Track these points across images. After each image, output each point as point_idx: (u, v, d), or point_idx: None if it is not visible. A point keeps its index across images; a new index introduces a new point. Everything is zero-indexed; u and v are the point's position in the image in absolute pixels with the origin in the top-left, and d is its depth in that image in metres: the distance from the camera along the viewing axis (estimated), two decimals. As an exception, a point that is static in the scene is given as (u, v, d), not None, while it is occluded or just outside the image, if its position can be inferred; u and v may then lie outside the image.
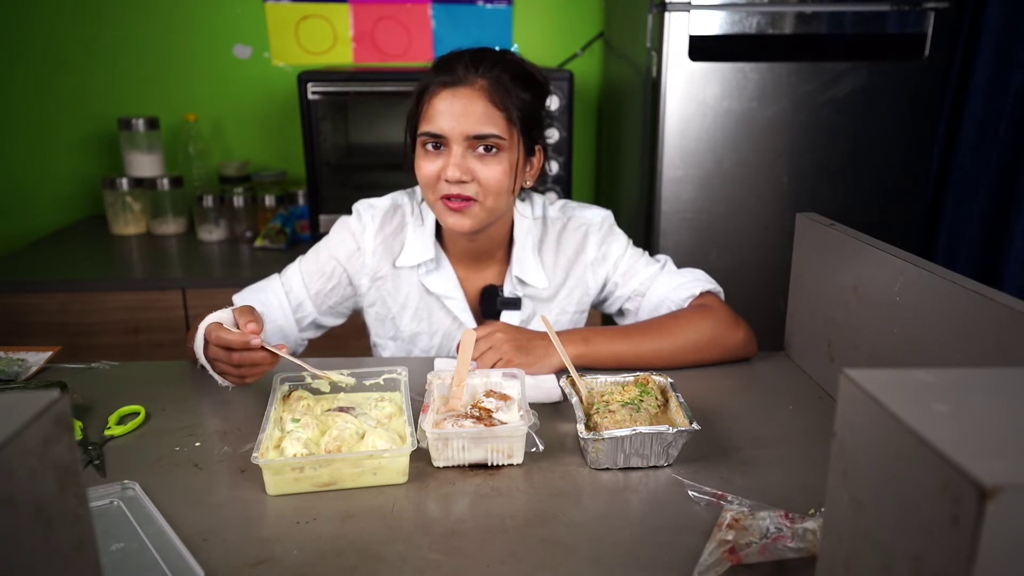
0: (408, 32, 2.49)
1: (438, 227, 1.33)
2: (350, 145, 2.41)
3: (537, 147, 1.26)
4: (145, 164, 2.33)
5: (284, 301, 1.30)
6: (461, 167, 1.16)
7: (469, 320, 1.34)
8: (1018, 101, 2.05)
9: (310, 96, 2.08)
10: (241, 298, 1.31)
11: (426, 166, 1.19)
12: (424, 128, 1.18)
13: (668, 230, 2.01)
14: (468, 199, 1.18)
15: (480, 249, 1.31)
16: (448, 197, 1.18)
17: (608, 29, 2.46)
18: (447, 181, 1.17)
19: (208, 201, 2.26)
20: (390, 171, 2.42)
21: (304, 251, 1.37)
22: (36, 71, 2.42)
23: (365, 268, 1.33)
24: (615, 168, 2.40)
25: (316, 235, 2.17)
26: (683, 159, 1.97)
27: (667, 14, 1.87)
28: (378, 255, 1.32)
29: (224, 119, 2.52)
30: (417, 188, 1.35)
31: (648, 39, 1.96)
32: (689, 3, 1.87)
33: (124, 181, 2.33)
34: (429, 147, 1.18)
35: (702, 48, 1.90)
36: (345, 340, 1.70)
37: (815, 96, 1.95)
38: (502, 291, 1.33)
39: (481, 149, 1.17)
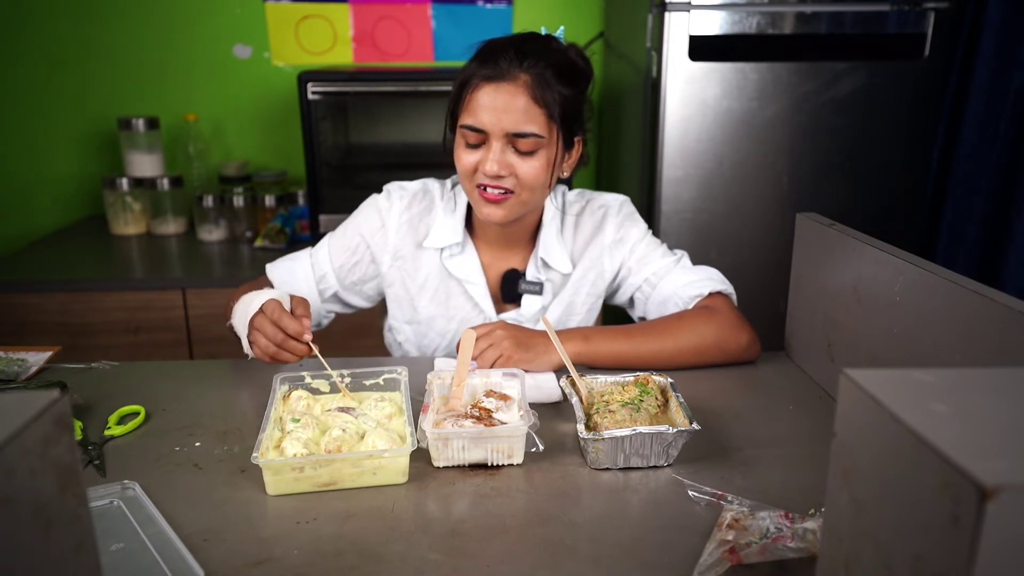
0: (408, 32, 2.49)
1: (468, 213, 1.34)
2: (350, 145, 2.41)
3: (576, 139, 1.26)
4: (145, 164, 2.33)
5: (309, 272, 1.34)
6: (500, 162, 1.17)
7: (488, 306, 1.34)
8: (1018, 101, 2.05)
9: (310, 96, 2.08)
10: (274, 267, 1.35)
11: (465, 157, 1.20)
12: (465, 121, 1.19)
13: (668, 230, 2.01)
14: (506, 192, 1.19)
15: (508, 236, 1.33)
16: (484, 187, 1.20)
17: (608, 29, 2.46)
18: (485, 175, 1.18)
19: (208, 201, 2.26)
20: (390, 171, 2.41)
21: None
22: (36, 71, 2.42)
23: (387, 245, 1.34)
24: (615, 168, 2.40)
25: (316, 235, 2.17)
26: (683, 159, 1.97)
27: (667, 14, 1.87)
28: (401, 233, 1.33)
29: (224, 119, 2.52)
30: (450, 179, 1.37)
31: (648, 39, 1.96)
32: (689, 3, 1.87)
33: (124, 181, 2.32)
34: (469, 140, 1.19)
35: (702, 48, 1.90)
36: (347, 340, 1.70)
37: (815, 96, 1.95)
38: (524, 275, 1.34)
39: (520, 146, 1.17)
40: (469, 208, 1.32)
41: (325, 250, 1.35)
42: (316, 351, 1.09)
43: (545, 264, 1.34)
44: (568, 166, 1.28)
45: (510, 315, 1.35)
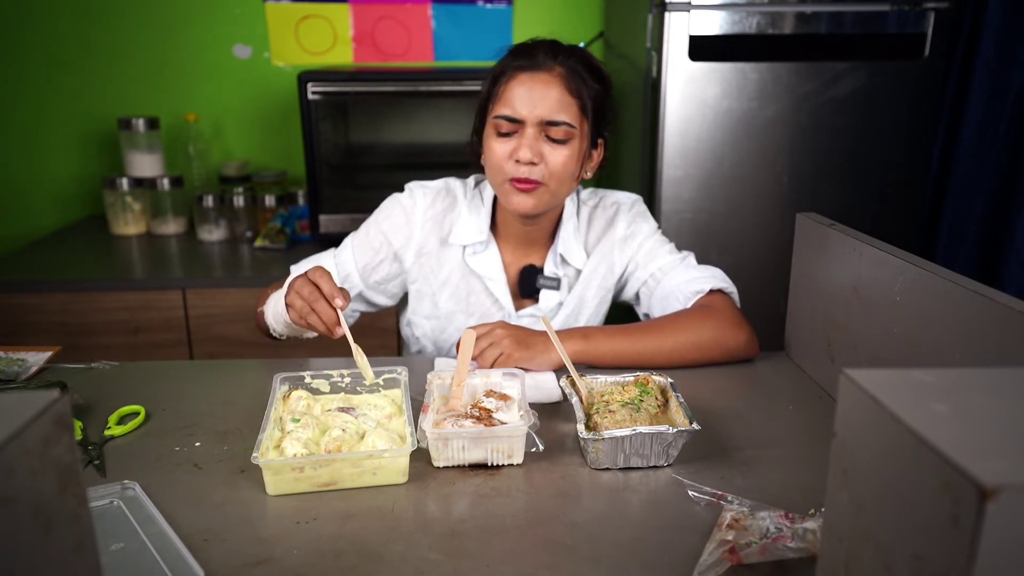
0: (408, 32, 2.49)
1: (492, 212, 1.36)
2: (350, 145, 2.41)
3: (599, 140, 1.29)
4: (145, 164, 2.33)
5: (334, 273, 1.35)
6: (533, 149, 1.20)
7: (507, 302, 1.37)
8: (1018, 101, 2.05)
9: (310, 96, 2.08)
10: (299, 268, 1.36)
11: (497, 148, 1.22)
12: (500, 111, 1.21)
13: (668, 230, 2.01)
14: (535, 182, 1.21)
15: (531, 233, 1.35)
16: (517, 180, 1.21)
17: (608, 29, 2.46)
18: (518, 161, 1.20)
19: (208, 201, 2.26)
20: (390, 171, 2.42)
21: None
22: (36, 71, 2.42)
23: (411, 242, 1.35)
24: (615, 168, 2.40)
25: (316, 235, 2.17)
26: (683, 159, 1.97)
27: (667, 14, 1.87)
28: (426, 230, 1.35)
29: (224, 119, 2.52)
30: (471, 177, 1.40)
31: (648, 39, 1.96)
32: (689, 3, 1.87)
33: (124, 181, 2.32)
34: (503, 129, 1.22)
35: (702, 48, 1.90)
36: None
37: (815, 96, 1.95)
38: (542, 271, 1.36)
39: (552, 135, 1.20)
40: (493, 207, 1.35)
41: (349, 250, 1.37)
42: (345, 328, 1.07)
43: (563, 260, 1.37)
44: (591, 167, 1.31)
45: (527, 310, 1.37)
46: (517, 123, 1.20)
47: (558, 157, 1.21)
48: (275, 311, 1.23)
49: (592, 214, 1.39)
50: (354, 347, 1.06)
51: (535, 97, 1.19)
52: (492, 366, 1.13)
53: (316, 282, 1.08)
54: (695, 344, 1.22)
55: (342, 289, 1.10)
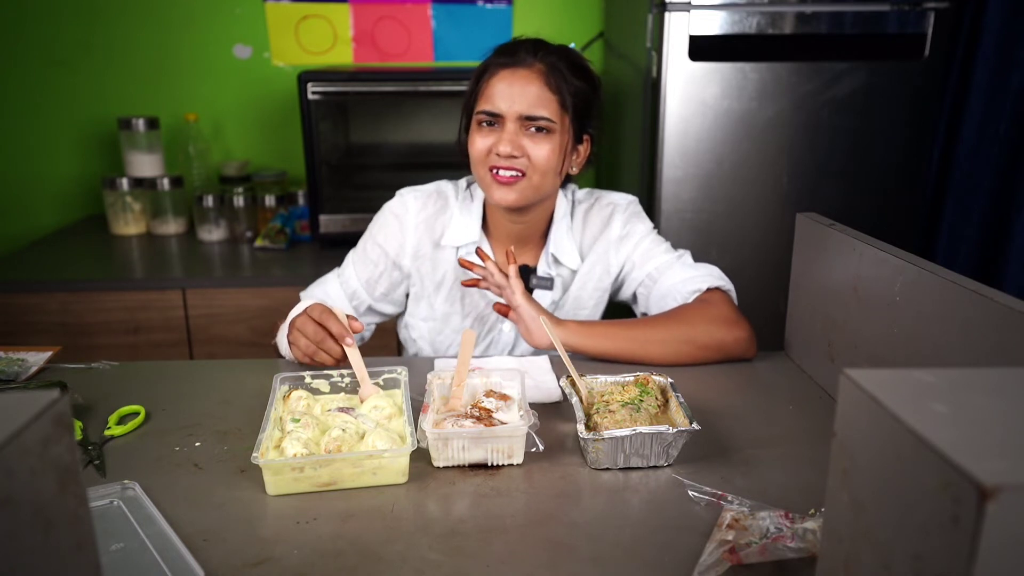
0: (408, 32, 2.49)
1: (484, 213, 1.37)
2: (350, 145, 2.41)
3: (585, 136, 1.31)
4: (145, 164, 2.33)
5: (340, 292, 1.37)
6: (513, 143, 1.22)
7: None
8: (1018, 101, 2.05)
9: (310, 96, 2.08)
10: (308, 293, 1.38)
11: (479, 141, 1.24)
12: (481, 107, 1.24)
13: (668, 230, 2.01)
14: (518, 172, 1.23)
15: (521, 232, 1.35)
16: (497, 170, 1.23)
17: (608, 29, 2.46)
18: (498, 155, 1.22)
19: (208, 201, 2.26)
20: (390, 171, 2.42)
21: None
22: (36, 71, 2.42)
23: (406, 247, 1.36)
24: (615, 168, 2.40)
25: (316, 235, 2.17)
26: (683, 159, 1.97)
27: (667, 14, 1.87)
28: (419, 233, 1.36)
29: (224, 119, 2.52)
30: (463, 179, 1.40)
31: (648, 39, 1.96)
32: (689, 3, 1.87)
33: (124, 181, 2.32)
34: (484, 124, 1.24)
35: (702, 48, 1.90)
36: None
37: (815, 96, 1.95)
38: (535, 271, 1.37)
39: (533, 129, 1.22)
40: (484, 207, 1.36)
41: (351, 268, 1.38)
42: (352, 357, 1.09)
43: (556, 260, 1.37)
44: (577, 163, 1.32)
45: None
46: (497, 118, 1.22)
47: (540, 151, 1.22)
48: (284, 348, 1.25)
49: (588, 214, 1.40)
50: (366, 382, 1.07)
51: (514, 93, 1.21)
52: (496, 289, 1.22)
53: (324, 323, 1.11)
54: (689, 338, 1.23)
55: (351, 318, 1.14)
